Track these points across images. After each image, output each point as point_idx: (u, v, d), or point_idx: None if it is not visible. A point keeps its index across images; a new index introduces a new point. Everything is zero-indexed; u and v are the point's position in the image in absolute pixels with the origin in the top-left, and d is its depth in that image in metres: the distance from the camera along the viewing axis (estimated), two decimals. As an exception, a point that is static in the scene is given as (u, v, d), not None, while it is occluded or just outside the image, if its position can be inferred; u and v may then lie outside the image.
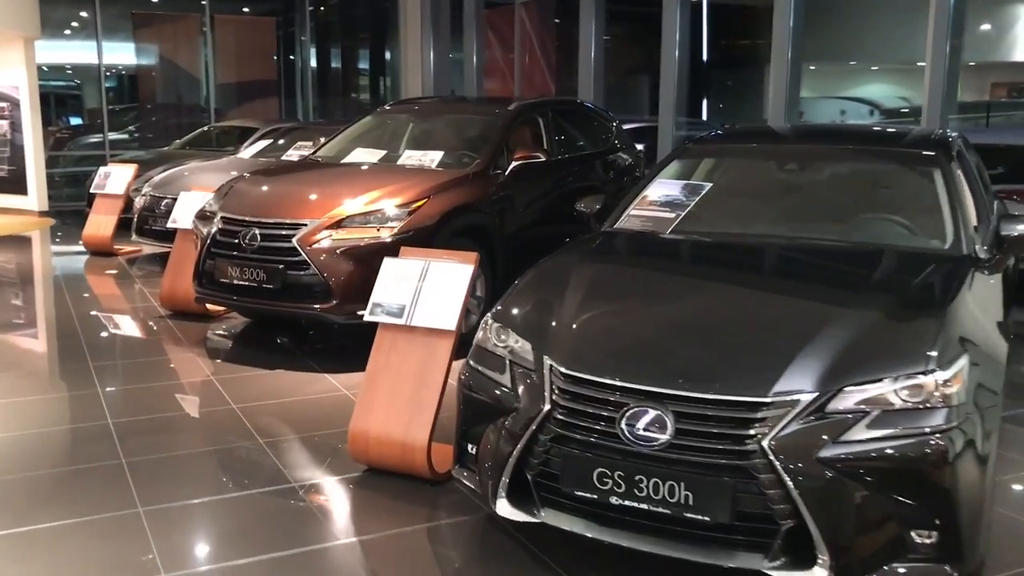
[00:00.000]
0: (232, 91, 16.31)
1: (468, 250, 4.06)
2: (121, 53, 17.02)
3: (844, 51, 20.24)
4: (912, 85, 19.85)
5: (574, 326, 3.19)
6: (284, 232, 5.59)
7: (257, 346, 6.25)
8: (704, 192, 4.31)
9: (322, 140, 7.42)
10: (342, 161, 6.74)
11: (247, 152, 10.55)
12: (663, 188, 4.41)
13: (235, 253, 5.72)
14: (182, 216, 6.98)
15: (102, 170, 10.02)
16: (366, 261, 5.43)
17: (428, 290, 3.88)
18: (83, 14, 14.98)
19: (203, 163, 10.36)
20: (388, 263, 3.99)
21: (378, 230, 5.55)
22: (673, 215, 4.20)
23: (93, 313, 7.20)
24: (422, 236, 5.60)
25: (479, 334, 3.40)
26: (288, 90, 17.29)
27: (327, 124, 11.70)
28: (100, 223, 9.75)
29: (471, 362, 3.35)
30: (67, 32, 16.42)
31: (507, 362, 3.17)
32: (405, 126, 7.26)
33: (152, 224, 9.04)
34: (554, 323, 3.22)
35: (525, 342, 3.17)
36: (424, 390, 3.82)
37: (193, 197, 7.02)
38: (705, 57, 17.38)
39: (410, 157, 6.52)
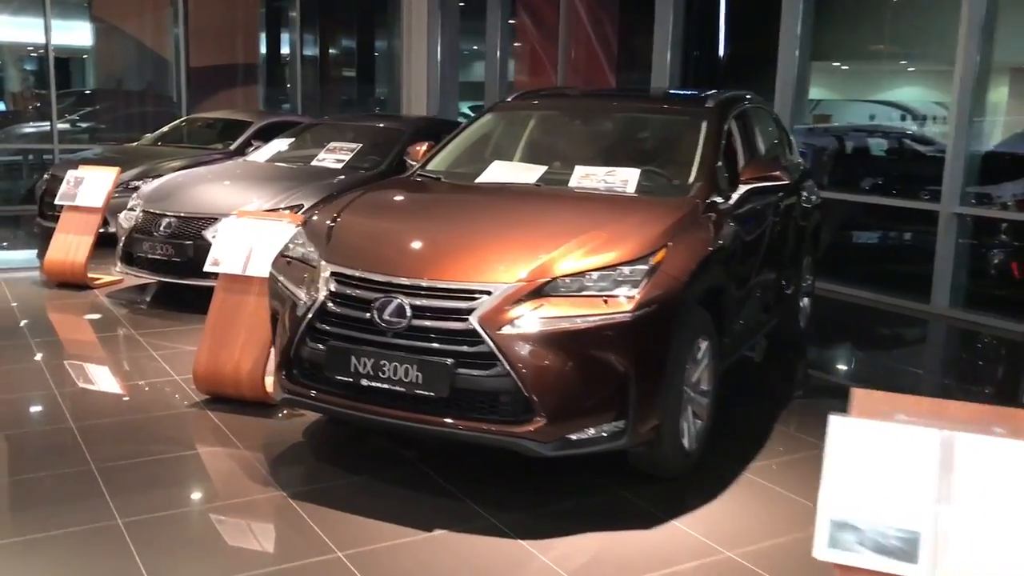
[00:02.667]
0: (206, 77, 13.80)
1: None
2: (71, 29, 14.37)
3: (878, 50, 18.40)
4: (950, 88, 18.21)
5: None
6: (453, 305, 3.41)
7: (384, 473, 4.02)
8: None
9: (421, 147, 5.18)
10: (480, 181, 4.54)
11: (261, 153, 8.22)
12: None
13: (363, 335, 3.52)
14: (230, 255, 4.71)
15: (72, 174, 7.58)
16: (591, 352, 3.33)
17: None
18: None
19: (207, 169, 7.99)
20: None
21: (606, 301, 3.39)
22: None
23: (92, 402, 4.88)
24: (668, 307, 3.49)
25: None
26: (271, 77, 14.80)
27: (356, 120, 9.39)
28: (70, 245, 7.33)
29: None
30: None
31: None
32: (552, 130, 5.09)
33: (150, 251, 6.69)
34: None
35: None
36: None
37: (246, 228, 4.75)
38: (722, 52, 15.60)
39: (587, 176, 4.36)
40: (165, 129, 11.20)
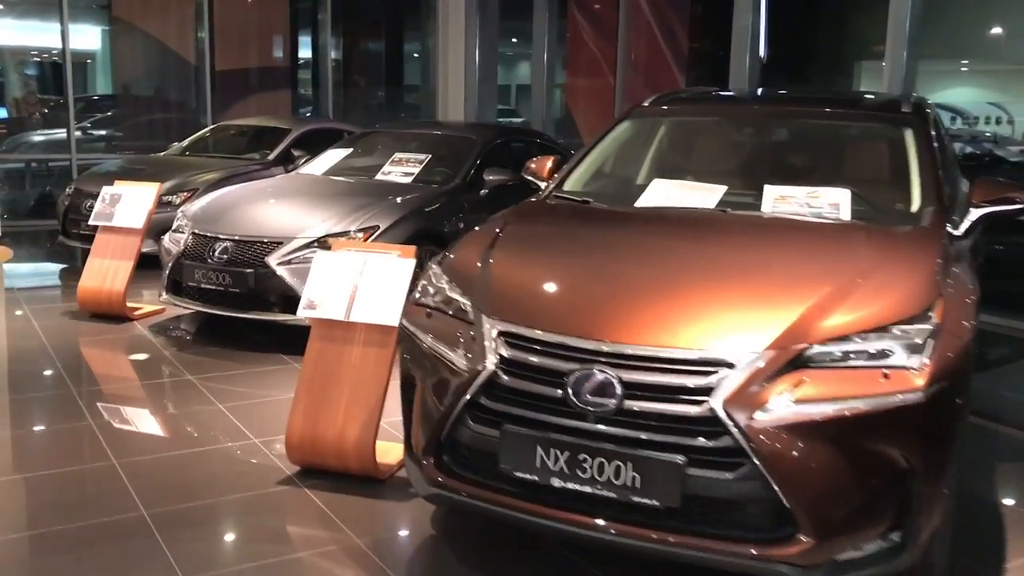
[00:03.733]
0: (233, 81, 12.94)
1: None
2: (79, 32, 13.53)
3: (930, 48, 17.45)
4: (1008, 89, 17.43)
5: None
6: (683, 381, 2.54)
7: None
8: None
9: (543, 162, 4.32)
10: (643, 205, 3.67)
11: (315, 166, 7.36)
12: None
13: (554, 419, 2.65)
14: (329, 296, 3.84)
15: (108, 191, 6.72)
16: (870, 445, 2.47)
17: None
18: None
19: (261, 184, 7.14)
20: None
21: (885, 375, 2.53)
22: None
23: (161, 477, 4.01)
24: (959, 379, 2.63)
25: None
26: (300, 81, 13.91)
27: (416, 128, 8.52)
28: (106, 271, 6.47)
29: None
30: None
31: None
32: (713, 140, 4.23)
33: (203, 280, 5.82)
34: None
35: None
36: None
37: (348, 263, 3.88)
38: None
39: (783, 199, 3.49)
40: (194, 137, 10.35)
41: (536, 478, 2.63)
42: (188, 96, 12.89)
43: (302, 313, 3.89)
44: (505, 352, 2.72)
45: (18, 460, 4.02)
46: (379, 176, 6.83)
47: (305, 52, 14.74)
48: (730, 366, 2.50)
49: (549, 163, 4.24)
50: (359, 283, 3.84)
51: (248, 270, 5.67)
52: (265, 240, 5.74)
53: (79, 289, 6.50)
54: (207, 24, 12.18)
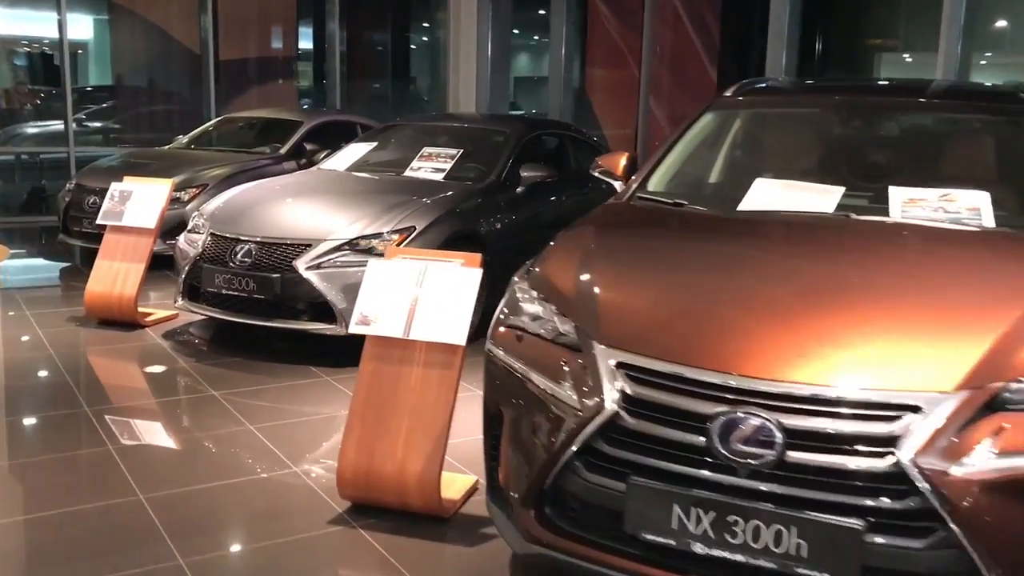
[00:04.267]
0: (237, 71, 12.43)
1: None
2: (73, 21, 12.99)
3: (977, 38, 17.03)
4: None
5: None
6: (861, 429, 2.10)
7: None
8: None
9: (615, 159, 3.87)
10: (748, 208, 3.22)
11: (337, 161, 6.89)
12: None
13: (694, 472, 2.22)
14: (385, 310, 3.39)
15: (117, 188, 6.24)
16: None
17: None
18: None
19: (283, 181, 6.67)
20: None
21: (1100, 419, 2.09)
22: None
23: (197, 519, 3.55)
24: None
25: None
26: (310, 71, 13.40)
27: (442, 121, 8.04)
28: (116, 274, 5.99)
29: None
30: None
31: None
32: (815, 135, 3.77)
33: (224, 286, 5.35)
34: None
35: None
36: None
37: (405, 273, 3.42)
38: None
39: (913, 203, 3.06)
40: (200, 130, 9.86)
41: (673, 542, 2.20)
42: (190, 87, 12.38)
43: (355, 329, 3.44)
44: (628, 388, 2.28)
45: (32, 493, 3.56)
46: (408, 172, 6.38)
47: (307, 43, 14.26)
48: (916, 410, 2.07)
49: (623, 160, 3.80)
50: (419, 296, 3.39)
51: (274, 275, 5.21)
52: (292, 242, 5.28)
53: (86, 293, 6.03)
54: (211, 12, 11.67)
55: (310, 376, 5.07)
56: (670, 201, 3.36)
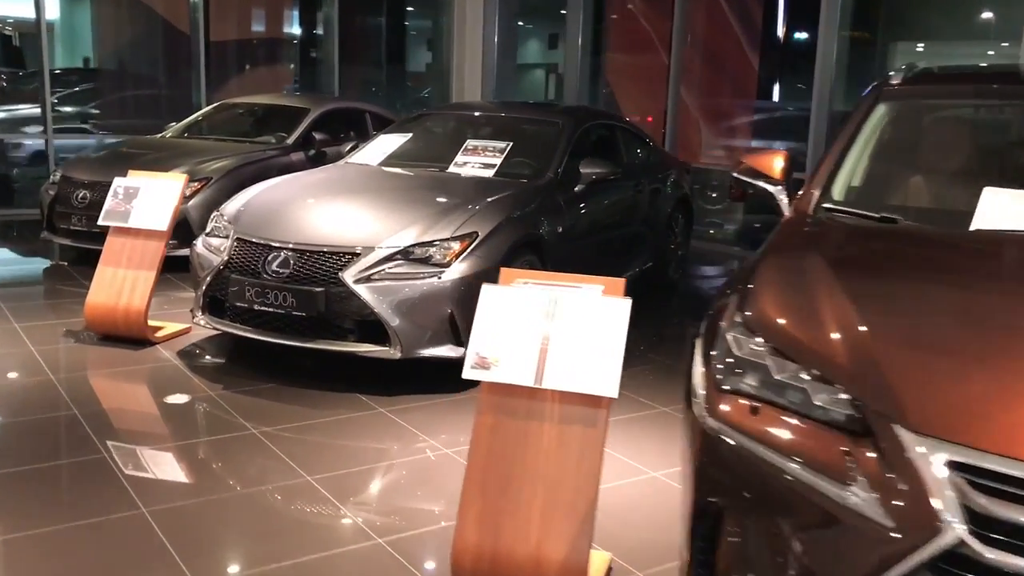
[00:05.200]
0: (228, 54, 11.57)
1: None
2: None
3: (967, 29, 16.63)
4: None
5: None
6: None
7: None
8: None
9: (768, 160, 3.18)
10: (984, 227, 2.55)
11: (367, 154, 6.14)
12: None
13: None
14: (507, 350, 2.68)
15: (121, 184, 5.44)
16: None
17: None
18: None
19: (312, 176, 5.90)
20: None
21: None
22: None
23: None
24: None
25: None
26: (304, 54, 12.53)
27: (479, 109, 7.28)
28: (122, 284, 5.21)
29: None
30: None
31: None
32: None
33: (256, 300, 4.59)
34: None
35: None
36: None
37: (534, 302, 2.71)
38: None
39: None
40: (195, 117, 9.03)
41: None
42: (176, 70, 11.49)
43: (472, 374, 2.72)
44: (981, 502, 1.59)
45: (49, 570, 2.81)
46: (452, 168, 5.65)
47: (292, 25, 13.40)
48: None
49: (780, 161, 3.10)
50: (551, 333, 2.69)
51: (317, 289, 4.47)
52: (337, 250, 4.55)
53: (87, 305, 5.24)
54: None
55: (361, 407, 4.35)
56: (875, 216, 2.68)
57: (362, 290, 4.42)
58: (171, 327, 5.43)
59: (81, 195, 7.26)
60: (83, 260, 7.03)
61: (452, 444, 3.91)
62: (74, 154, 9.86)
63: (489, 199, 5.01)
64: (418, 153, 6.06)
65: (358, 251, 4.52)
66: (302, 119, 8.45)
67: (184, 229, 6.65)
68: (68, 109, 13.20)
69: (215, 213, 5.23)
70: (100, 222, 5.38)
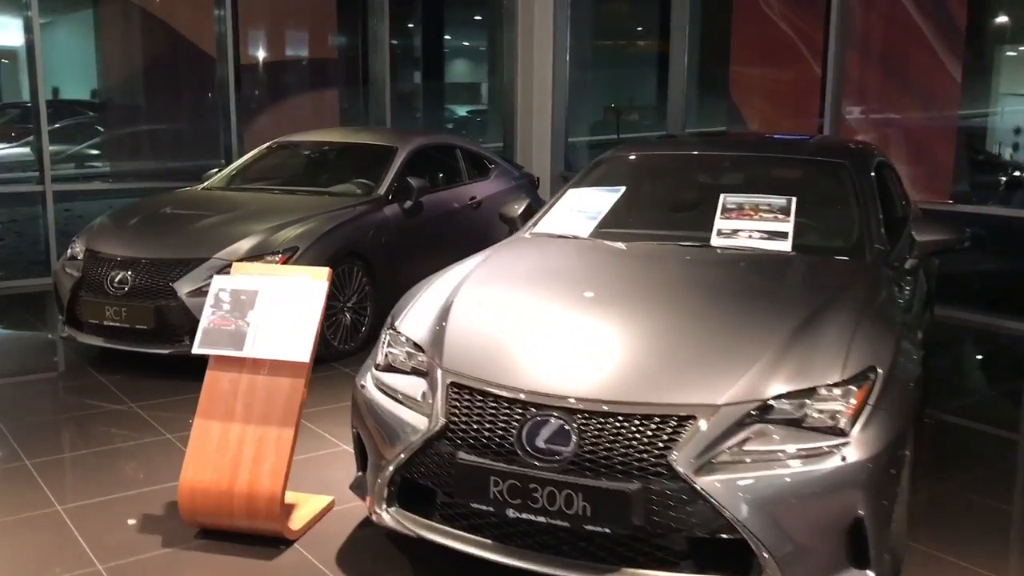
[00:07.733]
0: (262, 79, 9.58)
1: None
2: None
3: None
4: None
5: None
6: None
7: None
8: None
9: None
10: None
11: (562, 219, 4.23)
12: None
13: None
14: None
15: (223, 284, 3.41)
16: None
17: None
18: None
19: (522, 258, 3.97)
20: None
21: None
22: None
23: None
24: None
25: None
26: (350, 77, 10.52)
27: (690, 149, 5.36)
28: (237, 447, 3.20)
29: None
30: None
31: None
32: None
33: (510, 497, 2.63)
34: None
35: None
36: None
37: None
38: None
39: None
40: (245, 160, 7.06)
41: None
42: (202, 99, 9.47)
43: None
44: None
45: None
46: (714, 241, 3.75)
47: (335, 43, 11.45)
48: None
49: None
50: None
51: (632, 486, 2.53)
52: (654, 414, 2.61)
53: (183, 484, 3.23)
54: (229, 5, 8.81)
55: None
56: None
57: (708, 485, 2.49)
58: (307, 504, 3.45)
59: (118, 278, 5.28)
60: (112, 359, 5.03)
61: None
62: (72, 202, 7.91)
63: (834, 291, 3.10)
64: (646, 219, 4.16)
65: (693, 415, 2.58)
66: (391, 161, 6.54)
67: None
68: (56, 148, 11.11)
69: (385, 329, 3.27)
70: (196, 350, 3.36)
